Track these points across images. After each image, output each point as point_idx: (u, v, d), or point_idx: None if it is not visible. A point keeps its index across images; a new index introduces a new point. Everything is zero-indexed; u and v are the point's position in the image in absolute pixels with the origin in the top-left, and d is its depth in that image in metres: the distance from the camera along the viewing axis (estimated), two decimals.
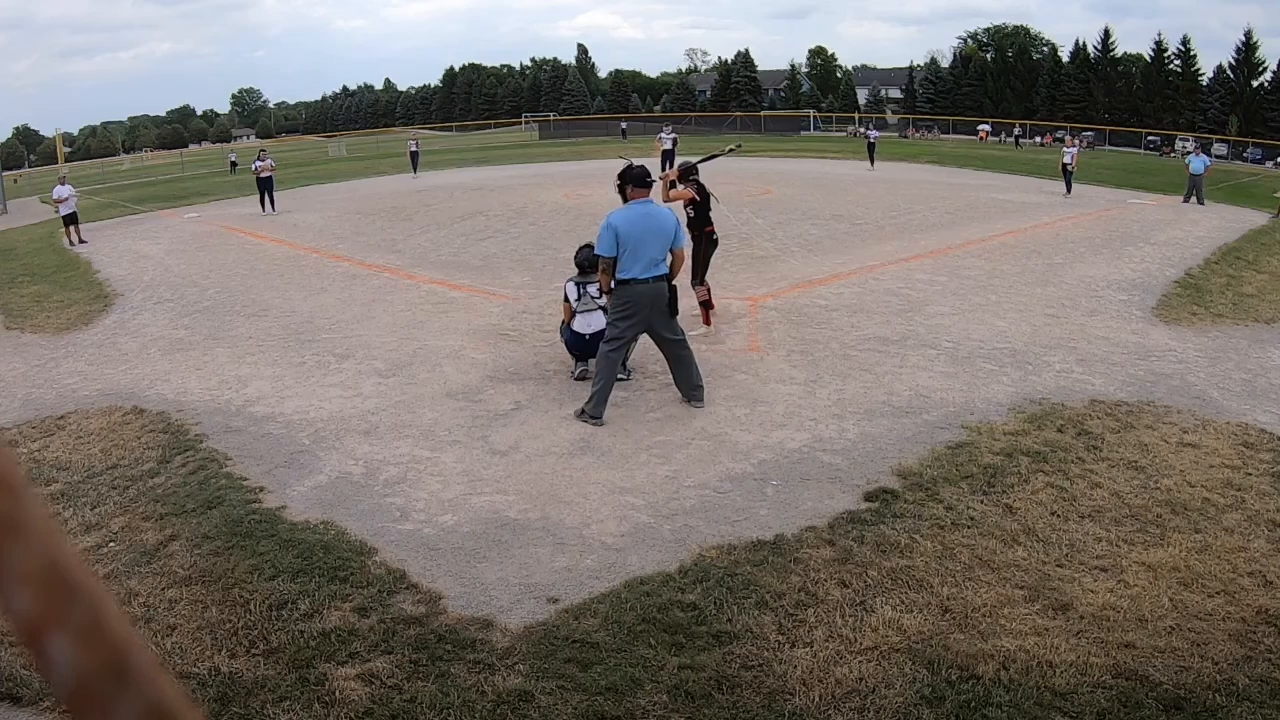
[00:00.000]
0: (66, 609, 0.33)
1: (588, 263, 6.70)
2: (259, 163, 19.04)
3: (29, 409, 6.73)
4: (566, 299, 6.77)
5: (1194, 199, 18.23)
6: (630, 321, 5.88)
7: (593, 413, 5.85)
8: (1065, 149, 20.64)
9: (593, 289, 6.61)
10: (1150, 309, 8.93)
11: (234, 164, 37.78)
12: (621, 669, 3.26)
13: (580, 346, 6.70)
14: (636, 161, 6.16)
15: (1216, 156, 36.32)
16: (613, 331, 5.94)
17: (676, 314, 6.04)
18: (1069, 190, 19.39)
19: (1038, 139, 50.22)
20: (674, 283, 5.98)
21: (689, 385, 6.13)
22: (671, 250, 5.95)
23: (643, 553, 4.17)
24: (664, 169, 18.16)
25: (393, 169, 32.38)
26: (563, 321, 6.96)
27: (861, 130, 48.27)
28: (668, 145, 20.41)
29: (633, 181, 5.90)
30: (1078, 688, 3.12)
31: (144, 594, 3.88)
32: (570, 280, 6.84)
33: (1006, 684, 3.14)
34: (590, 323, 6.63)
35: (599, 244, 5.86)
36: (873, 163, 27.74)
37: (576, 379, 6.70)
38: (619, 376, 6.47)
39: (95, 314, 10.01)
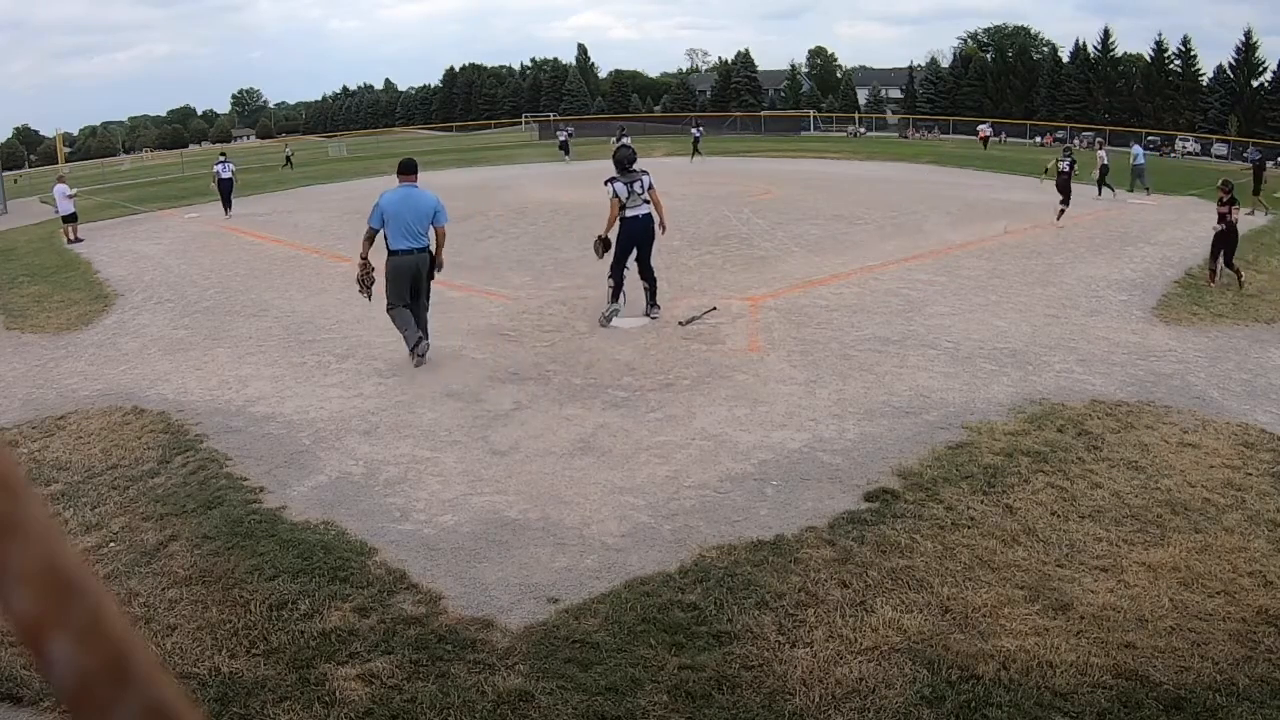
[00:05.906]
0: (66, 609, 0.33)
1: (627, 160, 8.05)
2: (217, 166, 19.01)
3: (29, 409, 6.73)
4: (616, 195, 7.93)
5: (1139, 189, 18.35)
6: (397, 287, 6.96)
7: (411, 342, 7.03)
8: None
9: (637, 186, 7.96)
10: (1150, 309, 8.93)
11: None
12: (621, 669, 3.26)
13: (634, 229, 7.99)
14: (414, 157, 7.50)
15: (1217, 156, 36.34)
16: (389, 297, 7.01)
17: (433, 278, 7.23)
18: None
19: (1037, 139, 50.22)
20: (434, 252, 7.10)
21: (420, 331, 7.11)
22: (434, 226, 7.03)
23: (643, 553, 4.17)
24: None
25: (392, 169, 32.31)
26: (598, 237, 8.42)
27: (857, 129, 48.08)
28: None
29: (400, 171, 7.26)
30: (1078, 688, 3.12)
31: (144, 594, 3.89)
32: (616, 181, 7.96)
33: (1006, 684, 3.14)
34: (638, 211, 8.01)
35: (370, 218, 7.02)
36: (692, 159, 29.12)
37: (606, 320, 8.21)
38: (614, 306, 8.27)
39: (95, 314, 10.01)
